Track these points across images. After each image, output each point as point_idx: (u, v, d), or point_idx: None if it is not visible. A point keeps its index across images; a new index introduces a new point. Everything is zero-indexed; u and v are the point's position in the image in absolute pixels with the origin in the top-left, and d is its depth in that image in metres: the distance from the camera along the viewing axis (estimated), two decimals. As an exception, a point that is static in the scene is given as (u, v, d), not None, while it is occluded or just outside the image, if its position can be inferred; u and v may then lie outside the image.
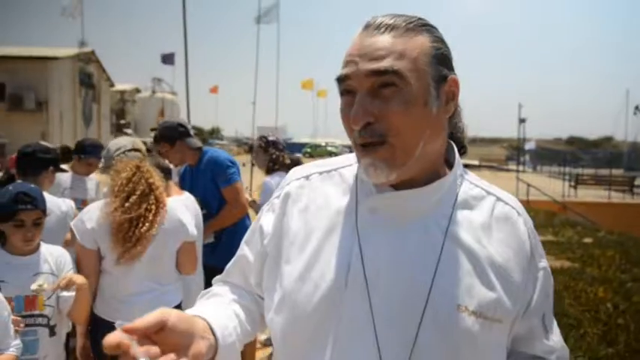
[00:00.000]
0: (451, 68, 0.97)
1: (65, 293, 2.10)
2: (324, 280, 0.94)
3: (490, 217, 0.99)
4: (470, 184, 1.02)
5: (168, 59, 34.34)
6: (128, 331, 0.74)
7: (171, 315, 0.80)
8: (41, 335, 2.13)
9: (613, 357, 3.99)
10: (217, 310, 1.00)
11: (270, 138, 4.26)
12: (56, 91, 23.47)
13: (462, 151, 1.06)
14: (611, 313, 4.82)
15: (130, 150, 2.71)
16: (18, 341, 1.99)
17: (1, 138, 4.73)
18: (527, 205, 14.80)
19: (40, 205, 2.17)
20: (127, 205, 2.32)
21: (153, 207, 2.38)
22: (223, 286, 1.14)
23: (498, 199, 1.02)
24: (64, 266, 2.25)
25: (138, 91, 39.73)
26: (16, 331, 1.98)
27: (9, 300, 2.00)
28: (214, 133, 62.86)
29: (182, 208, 2.61)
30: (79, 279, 2.14)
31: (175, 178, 3.57)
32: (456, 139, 1.06)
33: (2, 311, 1.94)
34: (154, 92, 38.36)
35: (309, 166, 1.11)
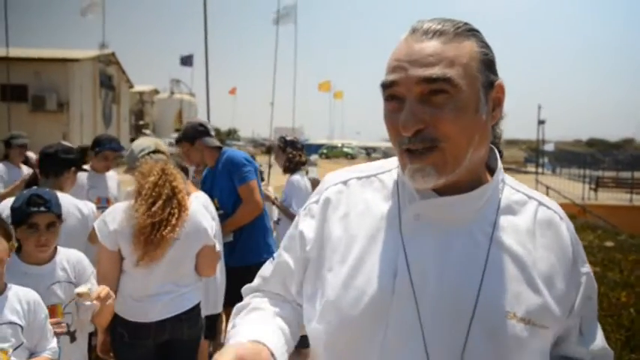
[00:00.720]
0: (496, 73, 0.95)
1: (88, 302, 2.08)
2: (370, 287, 0.93)
3: (534, 222, 0.98)
4: (511, 189, 1.02)
5: (187, 61, 34.68)
6: None
7: (245, 350, 0.86)
8: (62, 342, 2.12)
9: (636, 363, 3.92)
10: (268, 329, 1.00)
11: (288, 138, 4.34)
12: (77, 92, 23.83)
13: (500, 156, 1.05)
14: (634, 318, 4.73)
15: (153, 152, 2.72)
16: (54, 344, 2.00)
17: (24, 138, 4.74)
18: (547, 207, 14.57)
19: (53, 209, 2.13)
20: (153, 209, 2.35)
21: (176, 211, 2.40)
22: (262, 298, 1.13)
23: (540, 203, 1.02)
24: (84, 271, 2.24)
25: (156, 92, 40.13)
26: (57, 334, 2.00)
27: None
28: (231, 134, 63.19)
29: (203, 211, 2.63)
30: (112, 293, 2.15)
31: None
32: (494, 144, 1.04)
33: (40, 314, 1.95)
34: (172, 93, 38.69)
35: (347, 172, 1.10)
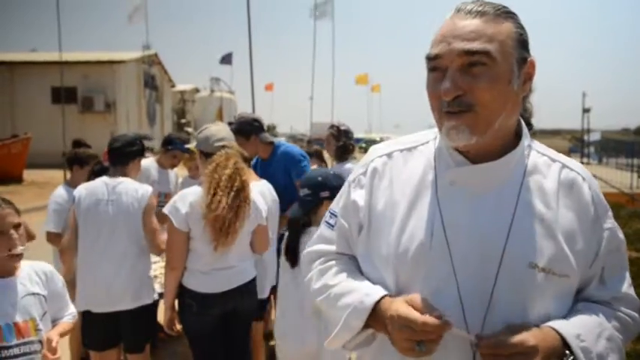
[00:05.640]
0: (529, 52, 1.09)
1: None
2: (413, 244, 1.10)
3: (557, 183, 1.11)
4: (537, 153, 1.15)
5: (226, 59, 35.21)
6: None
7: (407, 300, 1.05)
8: None
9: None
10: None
11: (343, 128, 4.48)
12: (123, 92, 24.65)
13: (529, 128, 1.18)
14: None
15: (225, 146, 2.81)
16: (73, 309, 2.16)
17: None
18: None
19: None
20: (229, 202, 2.56)
21: (244, 204, 2.64)
22: (336, 261, 1.29)
23: (564, 165, 1.15)
24: None
25: (197, 90, 40.84)
26: None
27: None
28: (269, 130, 63.58)
29: (258, 196, 2.86)
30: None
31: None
32: (524, 119, 1.18)
33: (58, 282, 2.09)
34: (212, 91, 39.26)
35: (390, 144, 1.26)
